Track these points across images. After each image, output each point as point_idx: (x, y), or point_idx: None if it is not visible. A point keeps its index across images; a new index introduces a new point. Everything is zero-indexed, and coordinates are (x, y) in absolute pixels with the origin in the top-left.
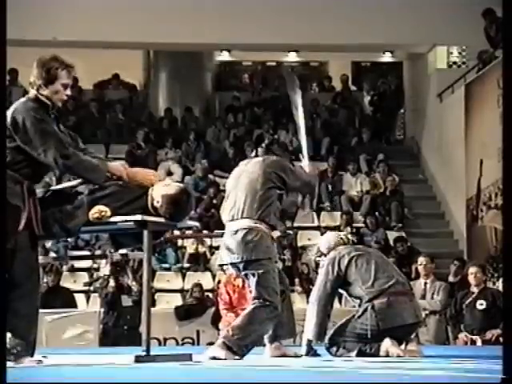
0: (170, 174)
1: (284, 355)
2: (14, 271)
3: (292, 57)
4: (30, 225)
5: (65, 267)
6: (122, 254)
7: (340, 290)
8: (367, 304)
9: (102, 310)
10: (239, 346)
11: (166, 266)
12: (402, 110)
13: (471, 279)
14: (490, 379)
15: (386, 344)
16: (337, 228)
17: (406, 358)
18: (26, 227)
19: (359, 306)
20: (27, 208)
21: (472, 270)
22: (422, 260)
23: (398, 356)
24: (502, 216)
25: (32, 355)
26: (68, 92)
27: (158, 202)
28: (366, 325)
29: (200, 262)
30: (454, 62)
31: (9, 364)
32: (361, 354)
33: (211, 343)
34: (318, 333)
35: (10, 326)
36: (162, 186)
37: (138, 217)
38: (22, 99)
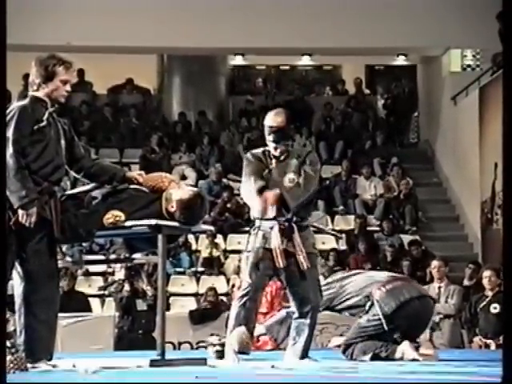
0: (183, 178)
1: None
2: (34, 275)
3: (305, 60)
4: (50, 228)
5: (79, 271)
6: (133, 259)
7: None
8: (369, 301)
9: (117, 314)
10: None
11: (181, 270)
12: (415, 113)
13: (485, 283)
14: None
15: (403, 347)
16: (351, 231)
17: (421, 361)
18: (47, 230)
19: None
20: (47, 211)
21: (486, 273)
22: (435, 263)
23: (414, 359)
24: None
25: (50, 359)
26: (68, 88)
27: (172, 206)
28: (376, 315)
29: (214, 265)
30: (468, 65)
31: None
32: (375, 357)
33: None
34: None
35: (29, 330)
36: (177, 191)
37: (153, 221)
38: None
